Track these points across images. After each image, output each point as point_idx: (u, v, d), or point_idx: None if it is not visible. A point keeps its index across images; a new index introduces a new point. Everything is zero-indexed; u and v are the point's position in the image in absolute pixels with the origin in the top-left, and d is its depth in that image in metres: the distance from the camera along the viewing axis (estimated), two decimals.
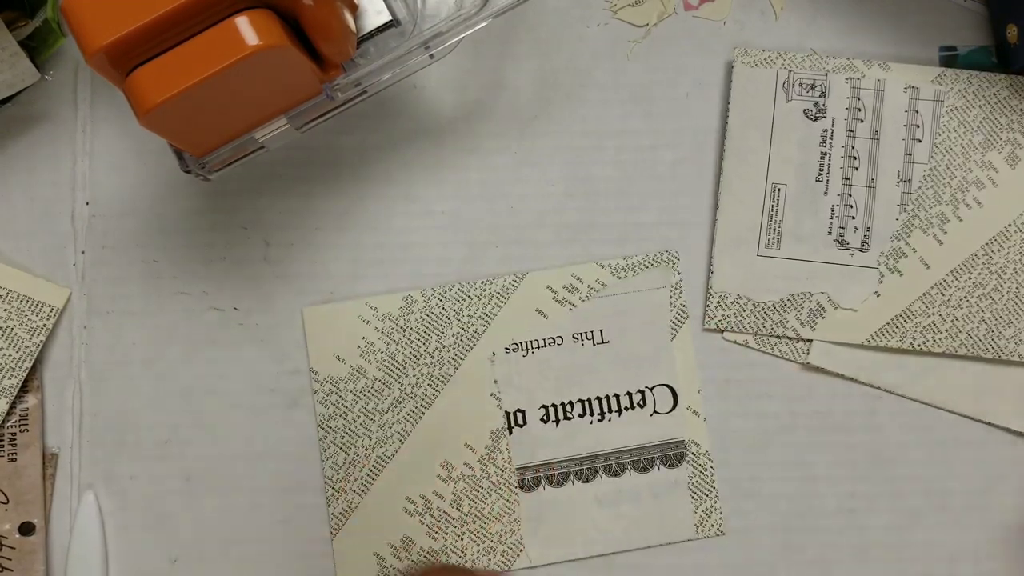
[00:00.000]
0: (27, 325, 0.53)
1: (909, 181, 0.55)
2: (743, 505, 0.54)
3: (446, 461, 0.54)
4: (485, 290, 0.55)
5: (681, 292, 0.55)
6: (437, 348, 0.54)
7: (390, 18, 0.48)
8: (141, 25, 0.40)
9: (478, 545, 0.54)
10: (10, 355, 0.53)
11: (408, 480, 0.54)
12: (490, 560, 0.53)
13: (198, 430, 0.54)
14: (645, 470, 0.54)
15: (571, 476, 0.54)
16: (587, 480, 0.54)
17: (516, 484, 0.54)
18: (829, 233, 0.55)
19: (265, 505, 0.54)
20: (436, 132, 0.56)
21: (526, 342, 0.55)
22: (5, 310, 0.54)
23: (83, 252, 0.55)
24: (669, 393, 0.55)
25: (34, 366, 0.54)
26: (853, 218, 0.55)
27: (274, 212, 0.55)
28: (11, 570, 0.52)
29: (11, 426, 0.53)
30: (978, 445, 0.55)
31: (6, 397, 0.53)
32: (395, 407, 0.54)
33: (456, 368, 0.54)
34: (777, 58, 0.55)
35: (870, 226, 0.55)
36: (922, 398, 0.55)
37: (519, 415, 0.54)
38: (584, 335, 0.55)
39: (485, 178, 0.56)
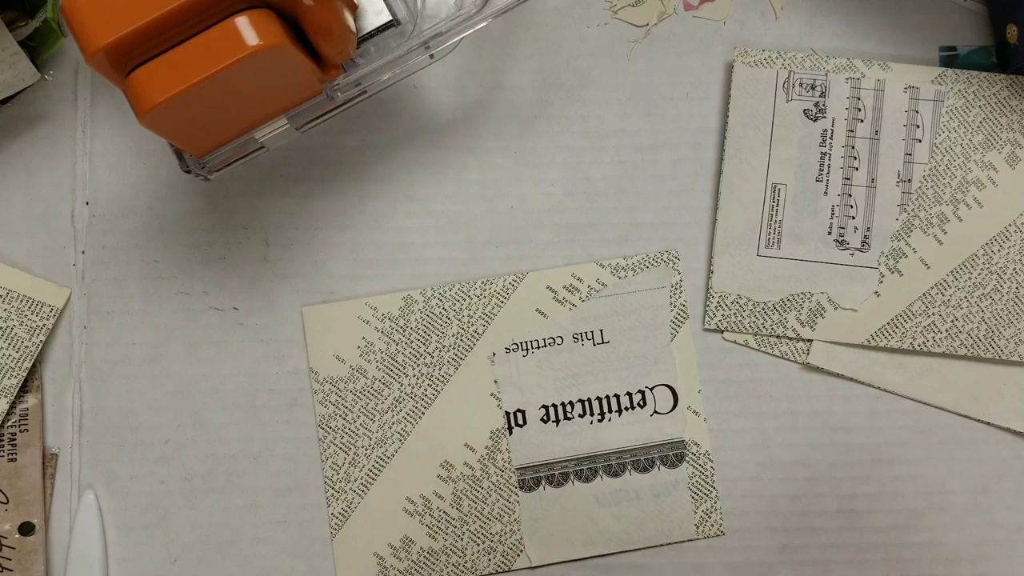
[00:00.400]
0: (27, 325, 0.53)
1: (909, 181, 0.55)
2: (743, 505, 0.54)
3: (446, 461, 0.54)
4: (485, 290, 0.55)
5: (681, 292, 0.55)
6: (437, 348, 0.54)
7: (390, 18, 0.48)
8: (141, 25, 0.40)
9: (478, 545, 0.54)
10: (10, 355, 0.53)
11: (408, 480, 0.54)
12: (490, 560, 0.54)
13: (198, 430, 0.54)
14: (645, 470, 0.54)
15: (571, 476, 0.54)
16: (587, 480, 0.54)
17: (516, 484, 0.54)
18: (829, 233, 0.55)
19: (265, 505, 0.54)
20: (436, 132, 0.56)
21: (526, 342, 0.55)
22: (5, 310, 0.54)
23: (83, 252, 0.55)
24: (669, 393, 0.55)
25: (34, 366, 0.54)
26: (853, 218, 0.55)
27: (274, 212, 0.55)
28: (11, 570, 0.52)
29: (11, 426, 0.53)
30: (978, 445, 0.55)
31: (6, 397, 0.53)
32: (395, 407, 0.54)
33: (456, 368, 0.54)
34: (777, 58, 0.55)
35: (870, 226, 0.55)
36: (922, 398, 0.55)
37: (519, 415, 0.54)
38: (584, 335, 0.55)
39: (485, 178, 0.56)
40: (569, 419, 0.54)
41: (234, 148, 0.49)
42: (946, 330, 0.54)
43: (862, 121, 0.55)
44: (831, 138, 0.55)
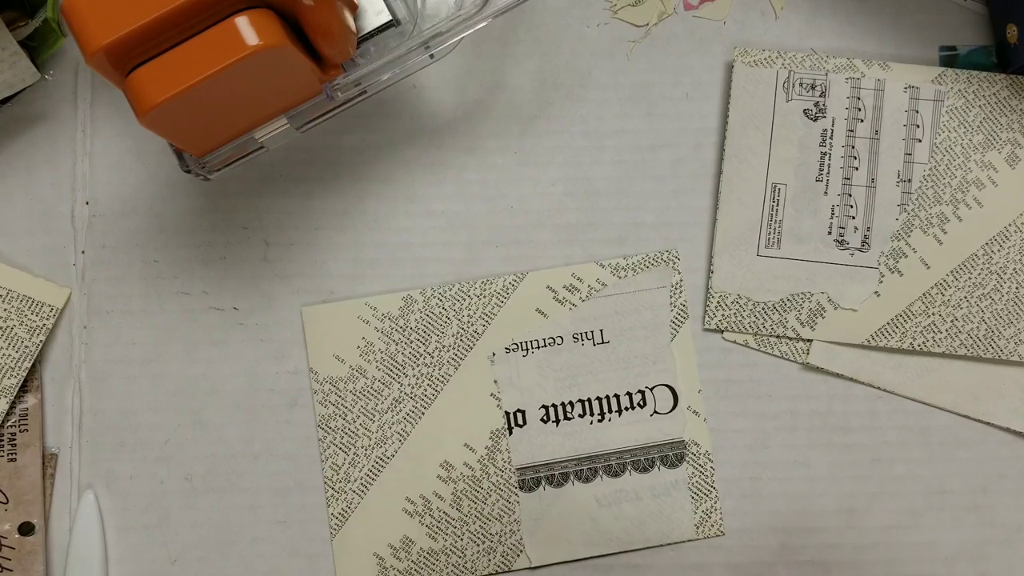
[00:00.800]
0: (27, 325, 0.53)
1: (909, 181, 0.55)
2: (743, 505, 0.54)
3: (446, 461, 0.54)
4: (485, 290, 0.55)
5: (681, 292, 0.55)
6: (437, 348, 0.54)
7: (390, 18, 0.48)
8: (141, 25, 0.40)
9: (478, 546, 0.54)
10: (10, 355, 0.53)
11: (408, 480, 0.54)
12: (490, 561, 0.54)
13: (198, 430, 0.54)
14: (645, 470, 0.54)
15: (571, 476, 0.54)
16: (587, 480, 0.54)
17: (516, 484, 0.54)
18: (829, 233, 0.55)
19: (265, 505, 0.54)
20: (436, 132, 0.56)
21: (526, 342, 0.55)
22: (5, 310, 0.54)
23: (83, 252, 0.55)
24: (669, 393, 0.55)
25: (34, 366, 0.54)
26: (853, 218, 0.55)
27: (274, 212, 0.55)
28: (11, 570, 0.52)
29: (11, 426, 0.53)
30: (977, 445, 0.55)
31: (6, 397, 0.53)
32: (395, 407, 0.54)
33: (456, 368, 0.54)
34: (777, 58, 0.55)
35: (870, 226, 0.55)
36: (922, 398, 0.55)
37: (519, 415, 0.54)
38: (584, 335, 0.55)
39: (485, 178, 0.56)
40: (569, 419, 0.54)
41: (234, 148, 0.49)
42: (946, 330, 0.54)
43: (862, 121, 0.55)
44: (831, 138, 0.55)
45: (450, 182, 0.56)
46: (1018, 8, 0.54)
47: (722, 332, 0.55)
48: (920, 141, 0.55)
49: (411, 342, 0.54)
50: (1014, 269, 0.55)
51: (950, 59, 0.56)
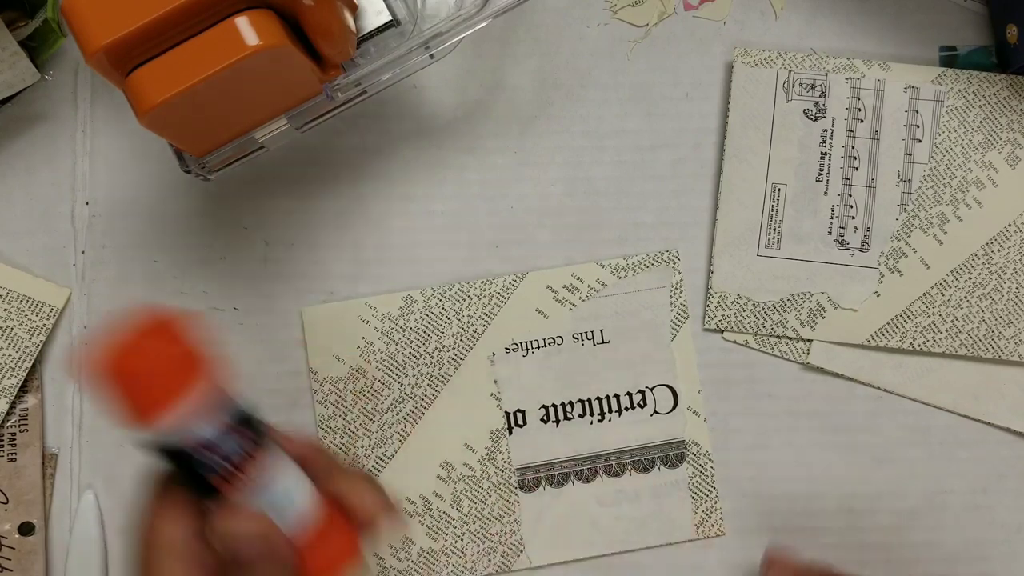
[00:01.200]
0: (27, 325, 0.53)
1: (909, 181, 0.55)
2: (743, 505, 0.54)
3: (446, 461, 0.54)
4: (485, 290, 0.55)
5: (681, 292, 0.55)
6: (437, 348, 0.54)
7: (390, 18, 0.48)
8: (141, 25, 0.40)
9: (478, 546, 0.54)
10: (10, 355, 0.53)
11: (408, 480, 0.54)
12: (490, 561, 0.53)
13: None
14: (645, 470, 0.54)
15: (571, 476, 0.54)
16: (587, 480, 0.54)
17: (516, 484, 0.54)
18: (829, 233, 0.55)
19: None
20: (436, 132, 0.56)
21: (526, 342, 0.55)
22: (5, 310, 0.54)
23: (83, 252, 0.55)
24: (669, 393, 0.55)
25: (34, 366, 0.54)
26: (853, 218, 0.55)
27: (274, 212, 0.55)
28: (11, 570, 0.52)
29: (11, 426, 0.53)
30: (977, 445, 0.55)
31: (6, 397, 0.53)
32: (395, 407, 0.54)
33: (456, 368, 0.54)
34: (777, 58, 0.55)
35: (870, 226, 0.55)
36: (922, 398, 0.55)
37: (519, 415, 0.54)
38: (584, 335, 0.55)
39: (485, 178, 0.56)
40: (569, 419, 0.54)
41: (234, 148, 0.49)
42: (946, 330, 0.54)
43: (862, 121, 0.55)
44: (831, 138, 0.55)
45: (450, 182, 0.56)
46: (1018, 8, 0.54)
47: (722, 332, 0.55)
48: (920, 141, 0.55)
49: (411, 342, 0.54)
50: (1014, 269, 0.55)
51: (950, 59, 0.56)
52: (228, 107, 0.45)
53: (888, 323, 0.54)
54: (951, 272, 0.55)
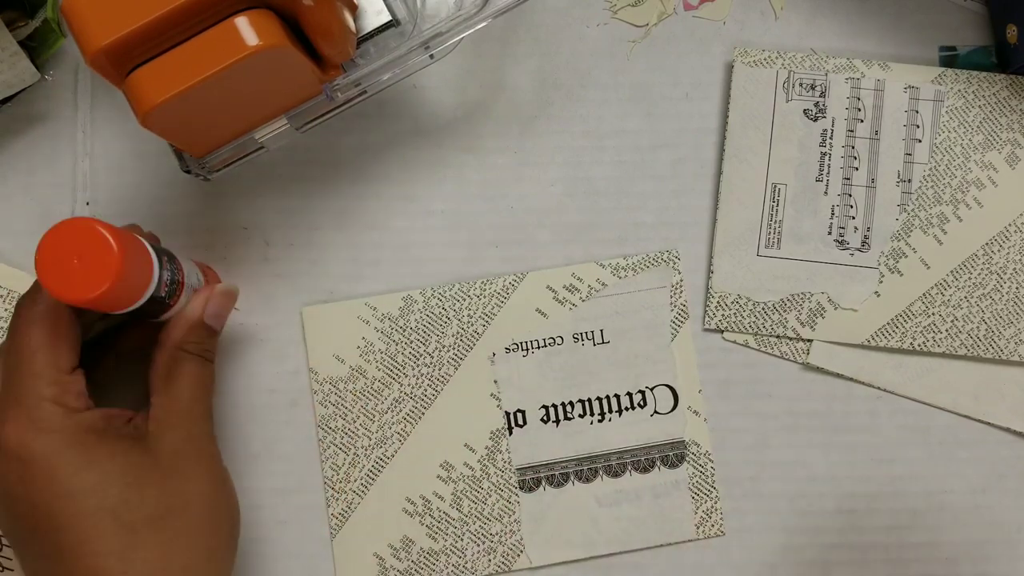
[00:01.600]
0: None
1: (909, 181, 0.55)
2: (743, 505, 0.54)
3: (446, 461, 0.54)
4: (485, 290, 0.55)
5: (681, 292, 0.55)
6: (437, 348, 0.54)
7: (390, 18, 0.48)
8: (141, 25, 0.40)
9: (478, 546, 0.54)
10: None
11: (408, 480, 0.54)
12: (490, 561, 0.53)
13: None
14: (646, 470, 0.54)
15: (571, 476, 0.54)
16: (587, 480, 0.54)
17: (516, 485, 0.54)
18: (829, 233, 0.55)
19: (265, 505, 0.54)
20: (436, 132, 0.56)
21: (526, 342, 0.55)
22: (5, 310, 0.53)
23: None
24: (669, 393, 0.55)
25: None
26: (853, 218, 0.55)
27: (274, 212, 0.55)
28: (11, 570, 0.52)
29: None
30: (977, 445, 0.55)
31: None
32: (395, 407, 0.54)
33: (456, 368, 0.54)
34: (777, 58, 0.55)
35: (870, 226, 0.55)
36: (922, 398, 0.55)
37: (519, 415, 0.54)
38: (584, 335, 0.55)
39: (485, 178, 0.56)
40: (569, 419, 0.54)
41: (234, 148, 0.49)
42: (946, 330, 0.54)
43: (862, 121, 0.55)
44: (831, 138, 0.55)
45: (450, 182, 0.56)
46: (1018, 8, 0.54)
47: (722, 332, 0.55)
48: (920, 141, 0.55)
49: (411, 342, 0.54)
50: (1014, 269, 0.55)
51: (950, 59, 0.56)
52: (228, 107, 0.45)
53: (888, 323, 0.54)
54: (951, 272, 0.55)
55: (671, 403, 0.54)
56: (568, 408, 0.54)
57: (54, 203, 0.55)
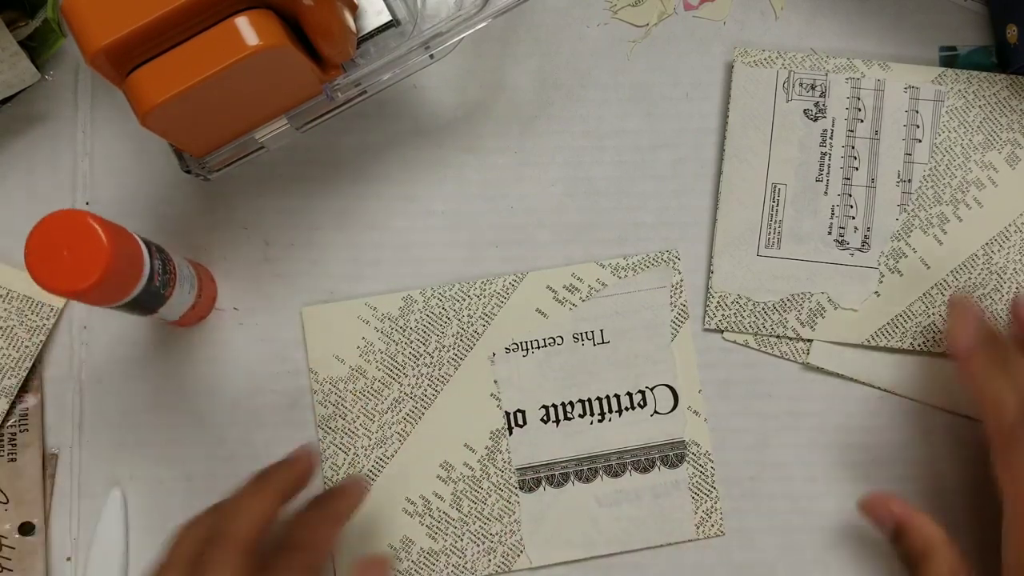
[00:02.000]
0: (27, 325, 0.53)
1: (909, 181, 0.55)
2: (743, 505, 0.54)
3: (446, 462, 0.54)
4: (485, 290, 0.55)
5: (681, 292, 0.55)
6: (437, 348, 0.54)
7: (390, 18, 0.48)
8: (141, 25, 0.40)
9: (478, 546, 0.54)
10: (10, 355, 0.53)
11: (408, 481, 0.54)
12: (490, 561, 0.53)
13: (198, 430, 0.54)
14: (646, 470, 0.54)
15: (571, 476, 0.54)
16: (587, 480, 0.54)
17: (516, 485, 0.54)
18: (829, 233, 0.55)
19: None
20: (436, 132, 0.56)
21: (526, 342, 0.55)
22: (5, 310, 0.54)
23: None
24: (670, 393, 0.55)
25: (34, 366, 0.54)
26: (853, 218, 0.55)
27: (274, 212, 0.55)
28: (11, 570, 0.52)
29: (11, 426, 0.53)
30: (978, 445, 0.55)
31: (6, 397, 0.53)
32: (395, 407, 0.54)
33: (456, 368, 0.54)
34: (777, 58, 0.55)
35: (870, 226, 0.55)
36: (922, 398, 0.55)
37: (519, 415, 0.54)
38: (584, 335, 0.55)
39: (485, 178, 0.56)
40: (569, 419, 0.54)
41: (234, 148, 0.49)
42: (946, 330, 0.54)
43: (862, 121, 0.55)
44: (831, 138, 0.55)
45: (450, 182, 0.56)
46: (1018, 8, 0.54)
47: (722, 332, 0.55)
48: (920, 141, 0.55)
49: (411, 342, 0.54)
50: (1014, 269, 0.55)
51: (950, 59, 0.56)
52: (228, 107, 0.45)
53: (888, 323, 0.54)
54: (951, 272, 0.55)
55: (671, 403, 0.54)
56: (568, 408, 0.54)
57: (54, 203, 0.55)
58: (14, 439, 0.53)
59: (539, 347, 0.55)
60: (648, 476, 0.54)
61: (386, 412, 0.54)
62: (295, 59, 0.43)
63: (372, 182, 0.55)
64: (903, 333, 0.54)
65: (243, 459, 0.54)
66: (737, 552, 0.54)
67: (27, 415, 0.53)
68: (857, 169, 0.55)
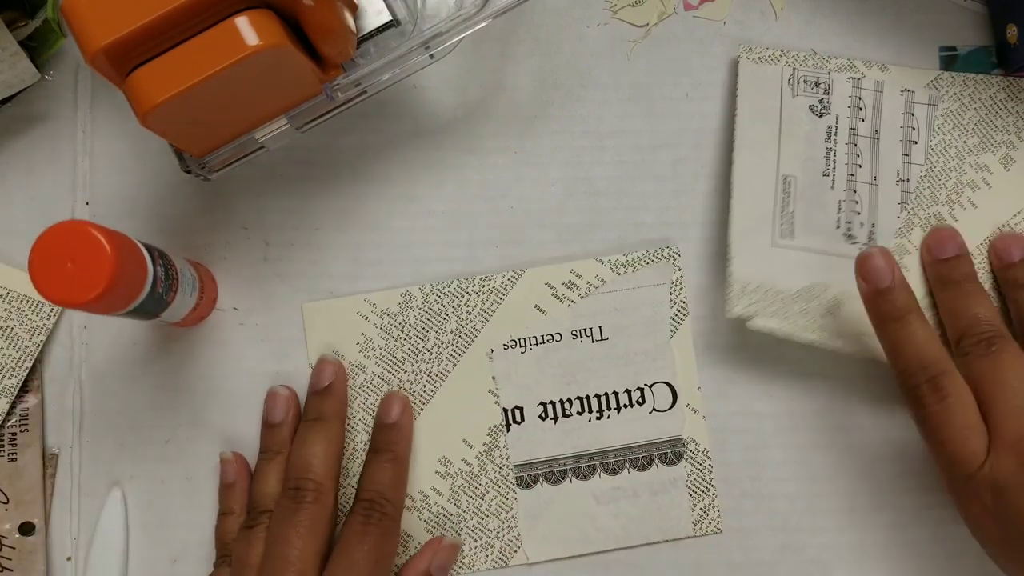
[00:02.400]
0: (27, 325, 0.54)
1: (908, 180, 0.55)
2: (742, 504, 0.54)
3: (444, 457, 0.54)
4: (484, 286, 0.55)
5: (681, 288, 0.55)
6: (435, 344, 0.55)
7: (390, 18, 0.48)
8: (141, 25, 0.40)
9: (475, 541, 0.54)
10: (10, 355, 0.53)
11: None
12: (487, 556, 0.54)
13: (198, 430, 0.54)
14: (643, 468, 0.54)
15: (569, 474, 0.54)
16: (585, 478, 0.54)
17: (514, 481, 0.54)
18: (838, 227, 0.55)
19: None
20: (436, 132, 0.56)
21: (525, 339, 0.55)
22: (5, 310, 0.54)
23: None
24: (668, 391, 0.55)
25: (34, 366, 0.54)
26: (859, 213, 0.55)
27: (274, 212, 0.55)
28: (11, 570, 0.53)
29: (11, 426, 0.53)
30: None
31: (6, 397, 0.53)
32: None
33: (454, 364, 0.55)
34: (781, 56, 0.55)
35: (875, 222, 0.55)
36: None
37: (517, 412, 0.54)
38: (583, 332, 0.55)
39: (485, 178, 0.56)
40: (568, 416, 0.54)
41: (234, 148, 0.49)
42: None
43: (863, 120, 0.55)
44: (835, 134, 0.55)
45: (450, 182, 0.56)
46: (1018, 8, 0.54)
47: (748, 320, 0.53)
48: (916, 143, 0.55)
49: (410, 338, 0.55)
50: None
51: (950, 59, 0.56)
52: (228, 107, 0.45)
53: None
54: None
55: (670, 400, 0.55)
56: (566, 405, 0.54)
57: (54, 203, 0.55)
58: (14, 439, 0.53)
59: (537, 344, 0.55)
60: (646, 473, 0.54)
61: None
62: (295, 59, 0.43)
63: (372, 182, 0.55)
64: None
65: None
66: (735, 550, 0.54)
67: (27, 415, 0.54)
68: (860, 166, 0.55)
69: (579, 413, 0.54)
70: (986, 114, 0.55)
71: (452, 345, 0.55)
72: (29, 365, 0.53)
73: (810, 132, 0.55)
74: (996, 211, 0.55)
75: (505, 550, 0.54)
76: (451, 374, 0.55)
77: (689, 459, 0.54)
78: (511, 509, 0.54)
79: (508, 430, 0.54)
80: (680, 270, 0.55)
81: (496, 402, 0.54)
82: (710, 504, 0.54)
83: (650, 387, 0.55)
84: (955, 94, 0.55)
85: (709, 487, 0.54)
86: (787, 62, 0.55)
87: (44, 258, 0.42)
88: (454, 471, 0.54)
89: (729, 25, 0.56)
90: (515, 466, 0.54)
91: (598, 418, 0.54)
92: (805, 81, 0.55)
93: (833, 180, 0.55)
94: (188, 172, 0.49)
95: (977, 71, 0.56)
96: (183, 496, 0.54)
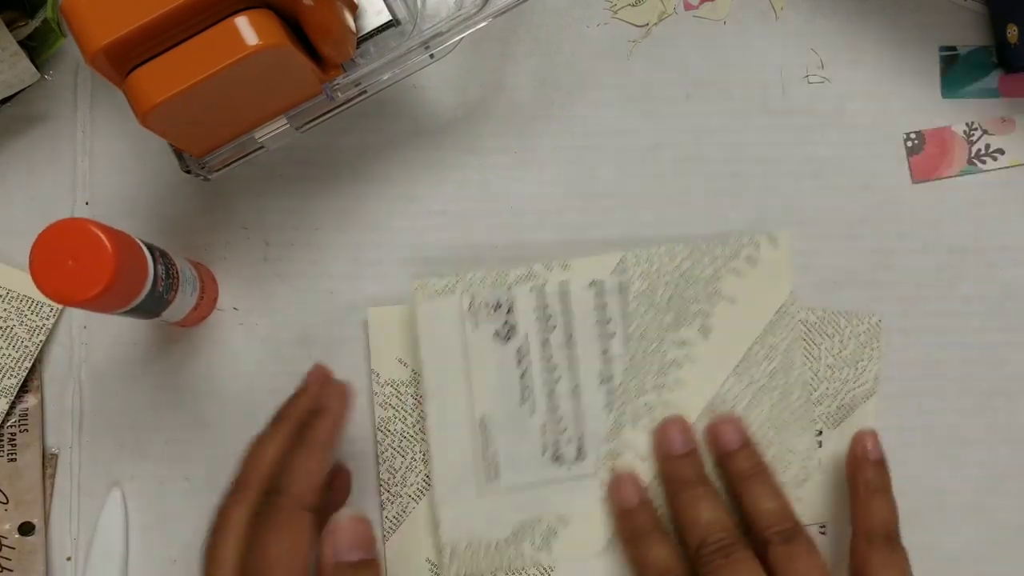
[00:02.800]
0: (27, 325, 0.53)
1: (611, 378, 0.53)
2: None
3: None
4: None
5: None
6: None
7: (390, 18, 0.48)
8: (141, 25, 0.40)
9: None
10: (10, 355, 0.53)
11: None
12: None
13: (198, 430, 0.54)
14: None
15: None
16: None
17: None
18: (544, 452, 0.53)
19: None
20: (436, 132, 0.56)
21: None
22: (5, 310, 0.54)
23: None
24: None
25: (34, 366, 0.54)
26: (565, 431, 0.53)
27: (274, 212, 0.55)
28: (11, 570, 0.52)
29: (11, 426, 0.53)
30: (977, 445, 0.55)
31: (6, 397, 0.53)
32: None
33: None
34: (457, 283, 0.53)
35: (582, 433, 0.53)
36: None
37: None
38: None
39: (485, 178, 0.56)
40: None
41: (234, 148, 0.49)
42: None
43: (555, 327, 0.53)
44: (528, 354, 0.53)
45: (450, 182, 0.56)
46: (1018, 8, 0.54)
47: None
48: (615, 334, 0.54)
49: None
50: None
51: (950, 59, 0.56)
52: (228, 107, 0.45)
53: None
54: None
55: None
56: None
57: (54, 203, 0.55)
58: (14, 439, 0.53)
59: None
60: None
61: None
62: (295, 59, 0.43)
63: (372, 182, 0.55)
64: None
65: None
66: None
67: (27, 415, 0.53)
68: (559, 379, 0.53)
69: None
70: (676, 287, 0.54)
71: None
72: (29, 365, 0.53)
73: (500, 360, 0.53)
74: (704, 385, 0.54)
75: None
76: None
77: None
78: None
79: None
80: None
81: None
82: None
83: None
84: (642, 273, 0.54)
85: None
86: (463, 289, 0.53)
87: (45, 255, 0.42)
88: None
89: (729, 25, 0.56)
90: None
91: None
92: (486, 306, 0.53)
93: (533, 405, 0.53)
94: (188, 172, 0.49)
95: (977, 71, 0.56)
96: (183, 496, 0.54)
